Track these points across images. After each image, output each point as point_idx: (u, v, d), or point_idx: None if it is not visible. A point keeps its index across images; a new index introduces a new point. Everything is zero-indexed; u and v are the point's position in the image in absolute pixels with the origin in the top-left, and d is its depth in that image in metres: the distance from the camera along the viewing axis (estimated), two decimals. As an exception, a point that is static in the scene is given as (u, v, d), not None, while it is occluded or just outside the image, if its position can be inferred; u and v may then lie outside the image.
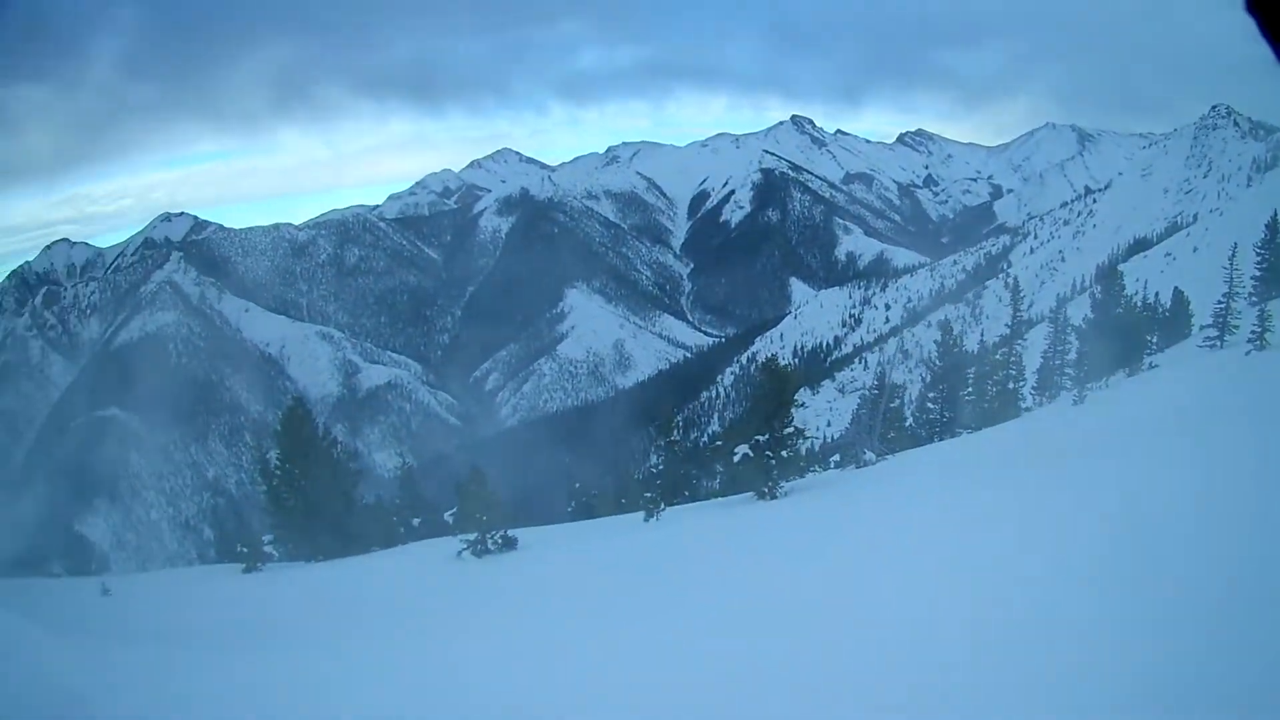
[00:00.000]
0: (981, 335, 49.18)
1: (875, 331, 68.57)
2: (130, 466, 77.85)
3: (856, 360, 61.05)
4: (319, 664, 4.46)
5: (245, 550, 12.43)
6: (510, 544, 9.27)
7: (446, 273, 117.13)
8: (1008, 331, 20.44)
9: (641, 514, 10.75)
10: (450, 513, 15.12)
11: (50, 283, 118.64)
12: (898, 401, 19.35)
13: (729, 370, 69.46)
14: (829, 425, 45.70)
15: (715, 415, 63.94)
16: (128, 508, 74.58)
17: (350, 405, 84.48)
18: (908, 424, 18.27)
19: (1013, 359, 17.21)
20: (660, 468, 17.90)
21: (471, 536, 9.33)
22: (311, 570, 11.03)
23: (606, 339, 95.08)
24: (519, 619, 5.63)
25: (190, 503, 77.07)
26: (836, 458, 15.41)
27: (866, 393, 26.21)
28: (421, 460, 61.56)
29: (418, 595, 7.84)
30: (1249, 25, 0.92)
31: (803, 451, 11.53)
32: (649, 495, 12.11)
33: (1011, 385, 17.06)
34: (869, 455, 11.67)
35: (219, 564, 14.90)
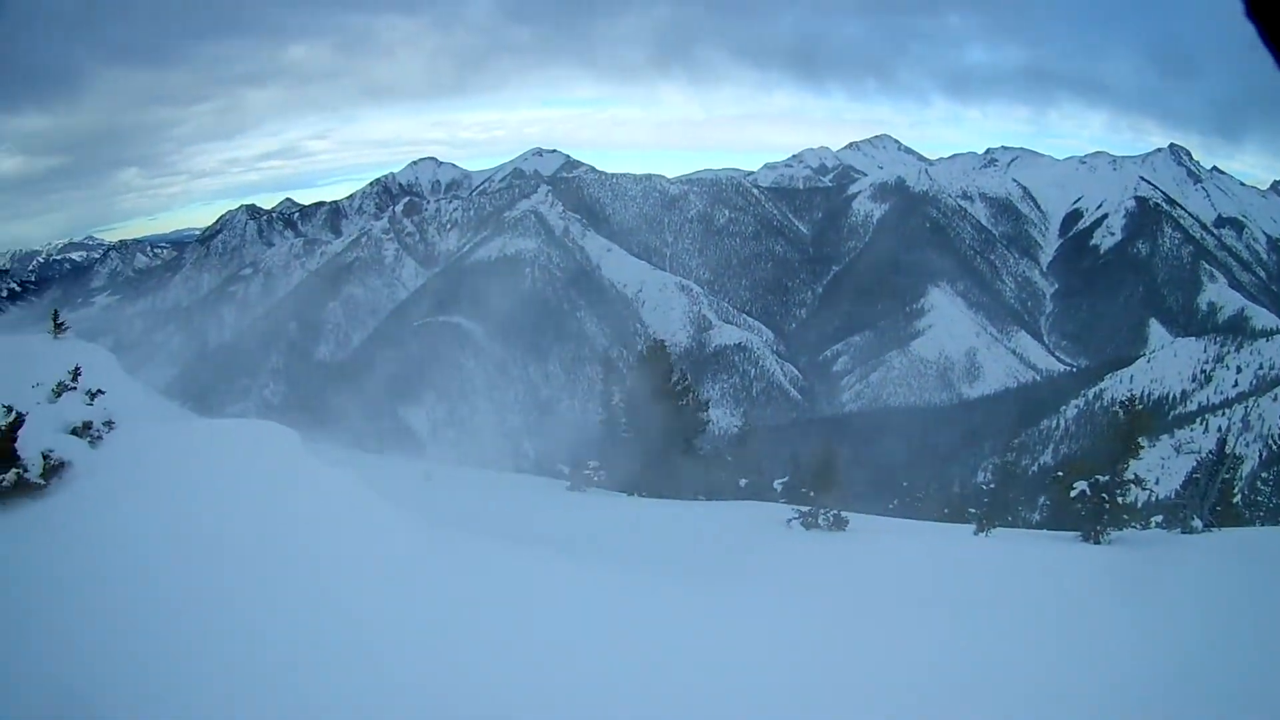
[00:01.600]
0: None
1: (1222, 394, 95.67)
2: (464, 371, 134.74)
3: (1198, 420, 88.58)
4: (661, 583, 8.55)
5: (566, 469, 21.99)
6: (841, 523, 14.63)
7: (813, 249, 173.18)
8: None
9: (970, 526, 17.30)
10: (781, 481, 24.03)
11: (412, 194, 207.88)
12: (1230, 474, 24.30)
13: (1074, 402, 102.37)
14: (1157, 483, 59.28)
15: (1050, 446, 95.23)
16: (453, 407, 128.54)
17: (697, 358, 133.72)
18: (1235, 500, 24.21)
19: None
20: (990, 485, 26.90)
21: (805, 508, 15.02)
22: (636, 502, 19.08)
23: (960, 345, 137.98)
24: (856, 596, 9.81)
25: (516, 416, 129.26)
26: (1159, 518, 21.29)
27: (1204, 457, 38.06)
28: (756, 426, 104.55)
29: (751, 551, 13.26)
30: (1249, 31, 1.42)
31: (1138, 503, 17.12)
32: (974, 511, 20.57)
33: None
34: (1196, 523, 16.09)
35: (535, 477, 26.78)
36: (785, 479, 23.50)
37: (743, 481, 25.03)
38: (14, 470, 8.52)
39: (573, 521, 15.85)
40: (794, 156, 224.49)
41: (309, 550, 7.18)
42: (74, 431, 9.49)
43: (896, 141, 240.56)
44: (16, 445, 8.70)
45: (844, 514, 14.84)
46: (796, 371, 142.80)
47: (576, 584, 7.76)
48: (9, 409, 9.11)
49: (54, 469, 8.73)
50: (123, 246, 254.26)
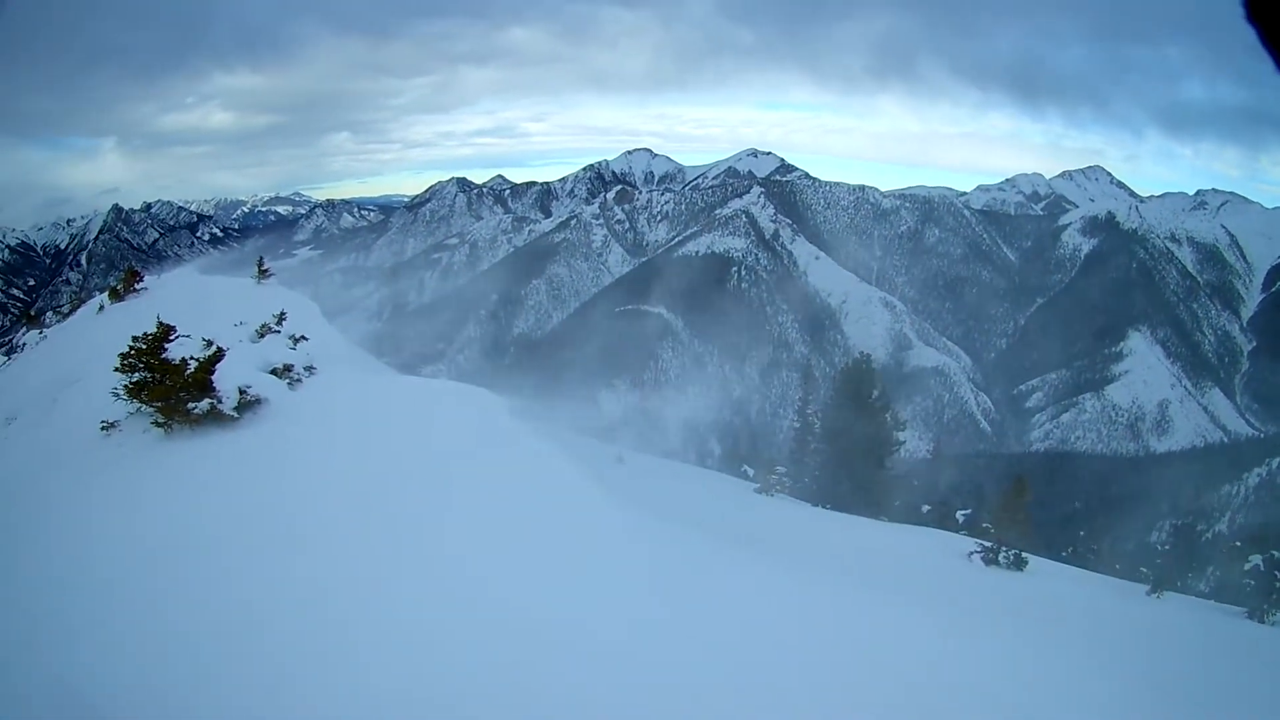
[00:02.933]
0: None
1: None
2: (660, 362, 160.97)
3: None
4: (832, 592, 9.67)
5: (750, 471, 26.52)
6: (1020, 563, 16.81)
7: (1019, 278, 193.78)
8: None
9: (1142, 586, 19.34)
10: (964, 512, 27.03)
11: (625, 183, 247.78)
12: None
13: (1257, 470, 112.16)
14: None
15: (1228, 514, 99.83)
16: (644, 395, 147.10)
17: (891, 376, 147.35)
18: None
19: None
20: (1165, 547, 29.58)
21: (987, 543, 17.41)
22: (823, 514, 21.84)
23: (1154, 395, 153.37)
24: (1036, 639, 11.28)
25: (707, 412, 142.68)
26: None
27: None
28: (942, 453, 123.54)
29: (936, 579, 15.38)
30: (1249, 35, 1.69)
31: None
32: (1146, 571, 22.46)
33: None
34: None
35: (721, 475, 31.17)
36: (969, 511, 27.12)
37: (925, 508, 28.63)
38: (208, 400, 11.55)
39: (764, 523, 18.84)
40: (1007, 181, 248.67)
41: (513, 517, 8.79)
42: (274, 372, 12.90)
43: (1109, 174, 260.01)
44: (214, 378, 11.81)
45: (1023, 555, 17.41)
46: (990, 403, 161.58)
47: (778, 587, 9.03)
48: (209, 343, 12.57)
49: (249, 404, 11.80)
50: (329, 205, 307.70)
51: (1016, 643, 9.99)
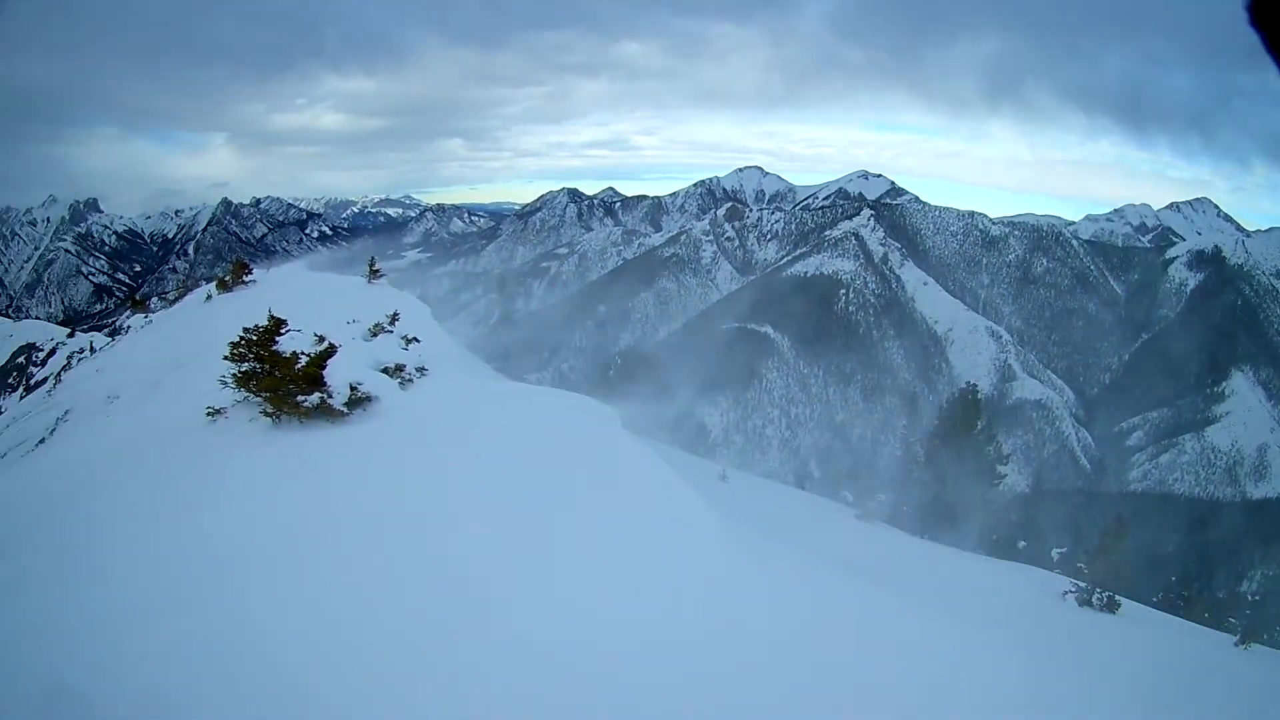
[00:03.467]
0: None
1: None
2: (764, 381, 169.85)
3: None
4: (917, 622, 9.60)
5: (849, 496, 29.15)
6: (1113, 606, 17.42)
7: (1125, 311, 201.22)
8: None
9: (1230, 636, 19.76)
10: (1060, 550, 32.04)
11: (735, 200, 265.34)
12: None
13: None
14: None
15: None
16: (746, 414, 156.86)
17: (994, 408, 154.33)
18: None
19: None
20: (1256, 598, 32.23)
21: (1081, 584, 18.25)
22: (923, 544, 22.95)
23: (1254, 438, 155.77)
24: (1130, 686, 12.53)
25: (808, 434, 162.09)
26: None
27: None
28: (1040, 489, 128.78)
29: (1033, 619, 16.50)
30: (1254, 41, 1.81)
31: None
32: (1234, 621, 23.65)
33: None
34: None
35: (819, 498, 31.90)
36: (1064, 549, 28.98)
37: (1022, 543, 29.82)
38: (319, 394, 12.39)
39: (865, 549, 19.91)
40: (1115, 211, 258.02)
41: (622, 530, 9.25)
42: (385, 371, 13.84)
43: (1215, 206, 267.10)
44: (325, 373, 12.60)
45: (1116, 597, 18.37)
46: (1090, 439, 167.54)
47: (887, 617, 9.29)
48: (321, 338, 13.38)
49: (359, 401, 12.66)
50: (440, 209, 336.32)
51: (1104, 687, 10.86)
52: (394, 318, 16.75)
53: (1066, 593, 18.94)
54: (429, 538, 8.46)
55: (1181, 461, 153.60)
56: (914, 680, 7.32)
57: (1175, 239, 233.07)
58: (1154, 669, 14.76)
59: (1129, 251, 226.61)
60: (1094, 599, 18.50)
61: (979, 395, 32.50)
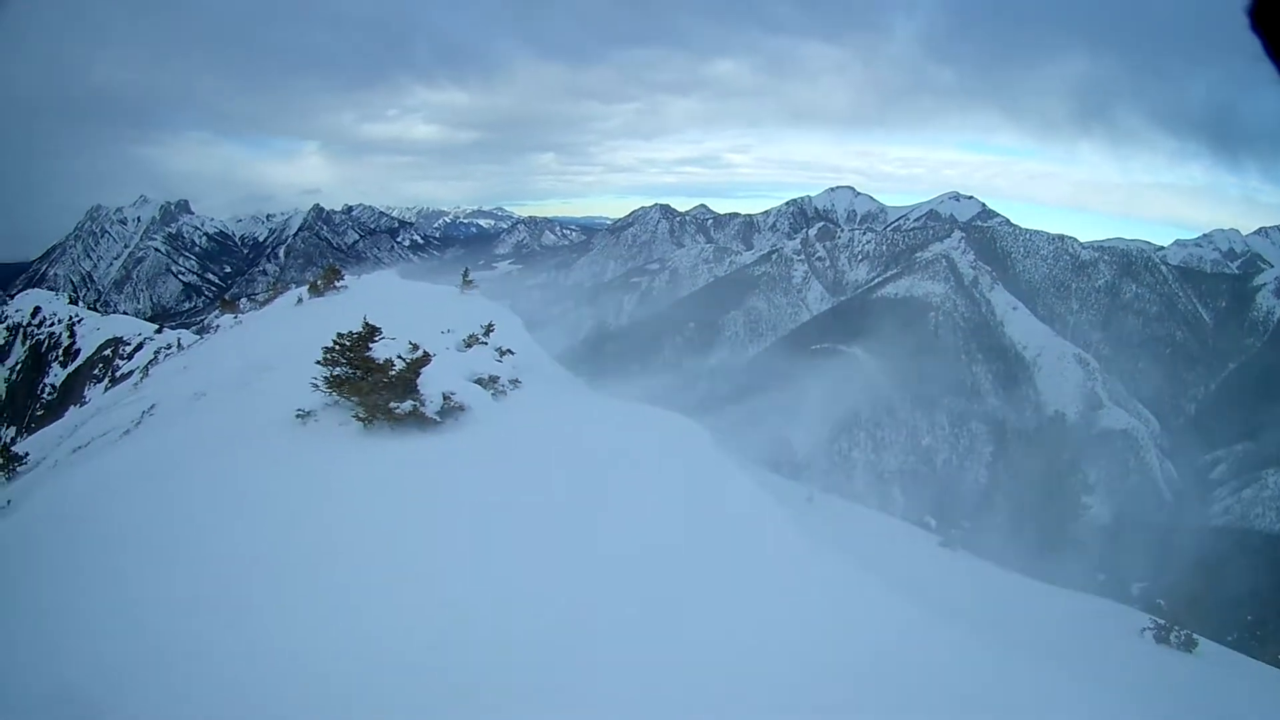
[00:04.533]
0: None
1: None
2: (850, 403, 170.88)
3: None
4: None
5: (932, 522, 28.22)
6: (1190, 645, 17.90)
7: (1213, 340, 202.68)
8: None
9: None
10: (1140, 585, 29.68)
11: (827, 220, 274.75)
12: None
13: None
14: None
15: None
16: (831, 436, 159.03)
17: (1080, 436, 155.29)
18: None
19: None
20: None
21: (1161, 621, 18.42)
22: (1004, 575, 23.23)
23: None
24: None
25: (893, 458, 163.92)
26: None
27: None
28: (1122, 520, 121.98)
29: (1104, 654, 16.12)
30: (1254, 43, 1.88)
31: None
32: None
33: None
34: None
35: (902, 523, 32.05)
36: (1144, 584, 29.42)
37: (1101, 576, 29.93)
38: (411, 402, 12.76)
39: (948, 581, 20.32)
40: (1204, 236, 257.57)
41: (714, 552, 9.55)
42: (479, 381, 14.33)
43: None
44: (419, 381, 13.05)
45: (1194, 636, 18.27)
46: (1174, 470, 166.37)
47: (969, 654, 8.91)
48: (415, 346, 13.85)
49: (452, 410, 13.08)
50: (532, 221, 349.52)
51: None
52: (488, 329, 17.63)
53: (1145, 629, 19.04)
54: (521, 552, 8.96)
55: (1264, 497, 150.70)
56: (976, 712, 7.44)
57: (1264, 265, 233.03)
58: (1226, 709, 14.84)
59: (1217, 278, 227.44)
60: (1171, 637, 18.63)
61: (1065, 424, 33.39)
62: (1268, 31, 1.87)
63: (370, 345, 13.72)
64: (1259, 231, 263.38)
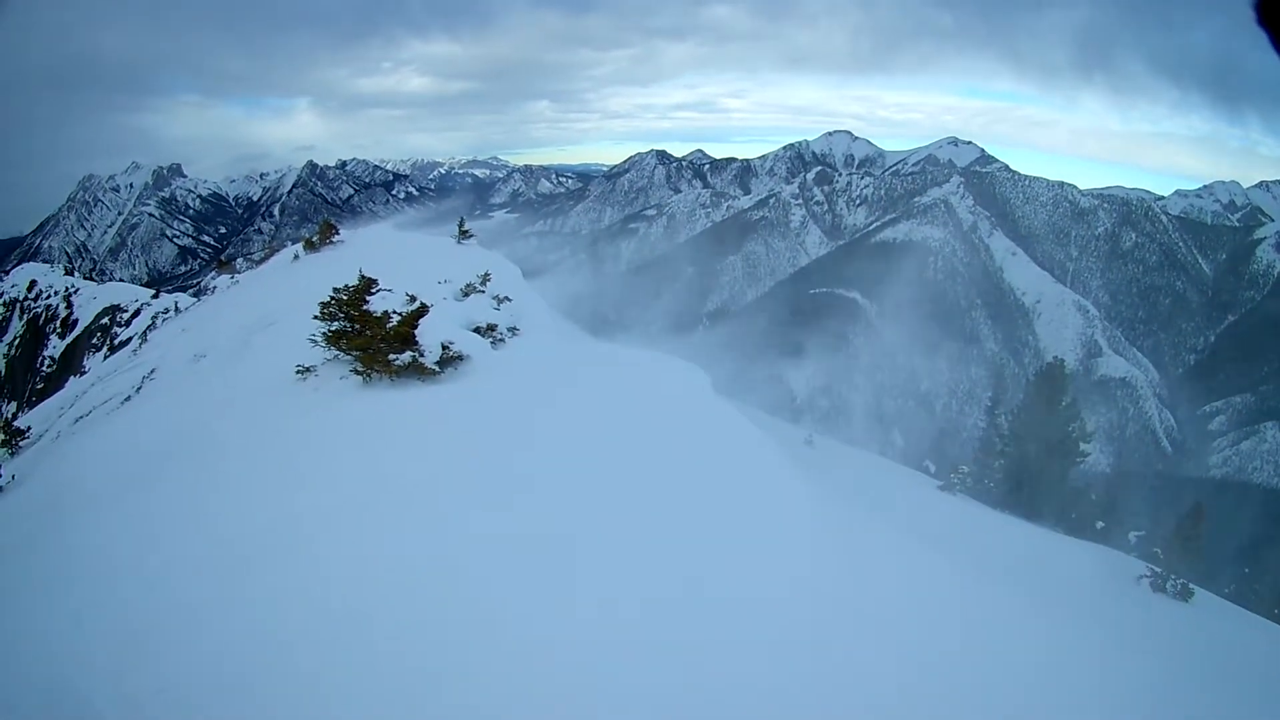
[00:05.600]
0: None
1: None
2: (850, 346, 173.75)
3: None
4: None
5: (931, 467, 33.17)
6: (1186, 594, 18.21)
7: (1212, 291, 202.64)
8: None
9: None
10: (1137, 534, 28.94)
11: (825, 164, 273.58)
12: None
13: None
14: None
15: None
16: (830, 379, 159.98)
17: (1080, 384, 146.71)
18: None
19: None
20: None
21: (1157, 569, 18.66)
22: (1003, 519, 23.67)
23: None
24: (1189, 673, 12.22)
25: (892, 402, 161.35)
26: None
27: None
28: (1121, 468, 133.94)
29: (1098, 598, 16.41)
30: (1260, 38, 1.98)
31: None
32: None
33: None
34: None
35: (901, 467, 33.19)
36: (1142, 533, 29.54)
37: (1100, 524, 30.44)
38: (410, 353, 12.85)
39: (946, 523, 20.46)
40: (1204, 187, 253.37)
41: (712, 494, 9.47)
42: (477, 330, 14.31)
43: None
44: (417, 332, 13.09)
45: (1190, 585, 18.65)
46: (1173, 421, 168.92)
47: (957, 588, 9.42)
48: (413, 298, 13.94)
49: (450, 360, 13.15)
50: (528, 170, 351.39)
51: (1172, 676, 10.87)
52: (485, 278, 17.56)
53: (1141, 577, 19.21)
54: (518, 497, 8.80)
55: (1262, 450, 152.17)
56: (978, 655, 7.49)
57: (1264, 219, 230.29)
58: (1223, 660, 14.95)
59: (1217, 230, 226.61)
60: (1168, 585, 18.80)
61: (1065, 369, 32.63)
62: (1274, 27, 1.97)
63: (367, 298, 13.87)
64: (1260, 185, 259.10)
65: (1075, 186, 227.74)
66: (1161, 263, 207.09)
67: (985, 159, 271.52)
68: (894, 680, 6.58)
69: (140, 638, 6.97)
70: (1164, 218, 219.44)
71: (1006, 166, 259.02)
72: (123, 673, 6.50)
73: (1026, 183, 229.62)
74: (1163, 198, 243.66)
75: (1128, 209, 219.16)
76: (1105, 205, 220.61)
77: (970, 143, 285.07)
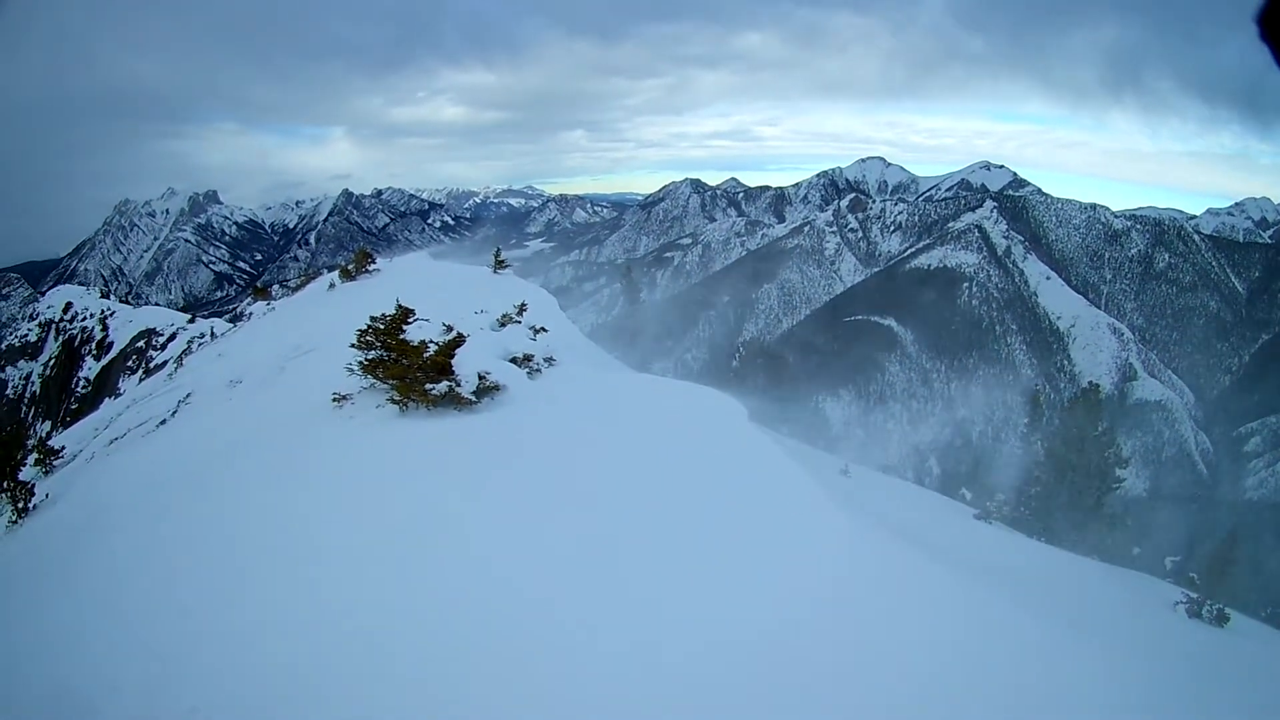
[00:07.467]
0: None
1: None
2: (886, 375, 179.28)
3: None
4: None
5: (967, 495, 29.97)
6: (1222, 620, 18.08)
7: (1245, 309, 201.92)
8: None
9: None
10: (1173, 559, 30.80)
11: (858, 191, 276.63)
12: None
13: None
14: None
15: None
16: (868, 407, 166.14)
17: (1115, 408, 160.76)
18: None
19: None
20: None
21: (1194, 595, 18.50)
22: (1040, 548, 22.96)
23: None
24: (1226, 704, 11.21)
25: (928, 430, 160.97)
26: None
27: None
28: (1157, 493, 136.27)
29: (1134, 626, 15.60)
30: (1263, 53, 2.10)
31: None
32: None
33: None
34: None
35: (938, 495, 32.05)
36: (1178, 558, 29.99)
37: (1136, 550, 30.57)
38: (447, 383, 12.93)
39: (983, 552, 19.05)
40: (1236, 205, 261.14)
41: (749, 527, 9.75)
42: (514, 360, 14.47)
43: None
44: (454, 362, 13.12)
45: (1226, 610, 18.44)
46: (1208, 443, 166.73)
47: (999, 619, 9.12)
48: (449, 328, 13.97)
49: (487, 390, 13.22)
50: (562, 199, 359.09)
51: (1210, 702, 10.41)
52: (522, 308, 17.59)
53: (1178, 603, 18.91)
54: (558, 529, 9.23)
55: None
56: (1014, 684, 7.50)
57: None
58: (1261, 684, 14.48)
59: (1250, 247, 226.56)
60: (1203, 611, 18.53)
61: (1100, 394, 32.68)
62: (1277, 42, 2.16)
63: (404, 327, 14.03)
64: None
65: (1108, 208, 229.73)
66: (1195, 283, 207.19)
67: (1018, 182, 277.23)
68: (941, 710, 6.91)
69: (171, 664, 7.49)
70: (1196, 237, 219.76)
71: (1039, 190, 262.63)
72: (153, 692, 7.14)
73: (1059, 206, 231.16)
74: (1194, 217, 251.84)
75: (1160, 229, 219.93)
76: (1138, 226, 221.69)
77: (1003, 166, 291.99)
